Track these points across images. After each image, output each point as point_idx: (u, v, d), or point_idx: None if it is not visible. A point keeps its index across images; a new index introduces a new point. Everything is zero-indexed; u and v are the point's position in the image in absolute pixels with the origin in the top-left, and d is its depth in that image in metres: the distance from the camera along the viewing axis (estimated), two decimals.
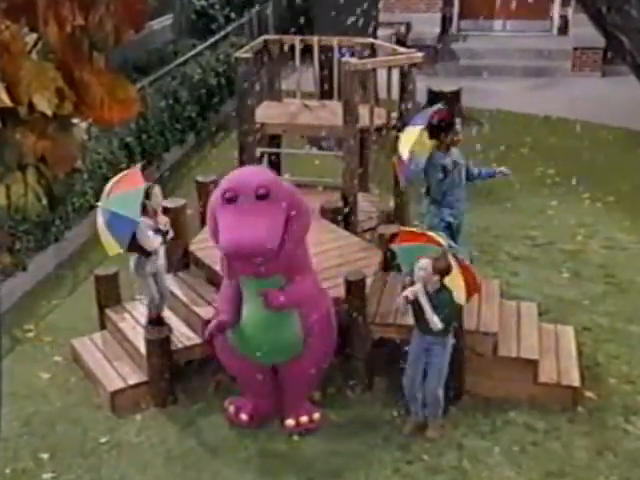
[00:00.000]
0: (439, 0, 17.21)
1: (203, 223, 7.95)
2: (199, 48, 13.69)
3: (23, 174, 2.99)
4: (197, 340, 7.03)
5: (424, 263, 6.02)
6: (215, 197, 5.84)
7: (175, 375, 6.92)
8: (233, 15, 16.16)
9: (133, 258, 6.86)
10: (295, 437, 6.51)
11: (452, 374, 6.50)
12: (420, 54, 8.48)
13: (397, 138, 7.83)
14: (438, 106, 7.72)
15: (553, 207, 10.45)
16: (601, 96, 14.61)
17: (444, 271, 6.05)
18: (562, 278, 8.76)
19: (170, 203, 7.56)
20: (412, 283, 6.16)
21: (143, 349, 6.87)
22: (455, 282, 6.19)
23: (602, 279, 8.71)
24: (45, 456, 6.41)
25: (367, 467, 6.22)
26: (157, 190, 6.82)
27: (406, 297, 6.10)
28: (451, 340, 6.29)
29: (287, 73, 10.05)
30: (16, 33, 2.77)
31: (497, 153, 11.84)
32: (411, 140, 7.32)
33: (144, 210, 6.60)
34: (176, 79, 12.46)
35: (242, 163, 8.51)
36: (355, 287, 6.68)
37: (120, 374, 7.02)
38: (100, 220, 6.51)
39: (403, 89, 8.40)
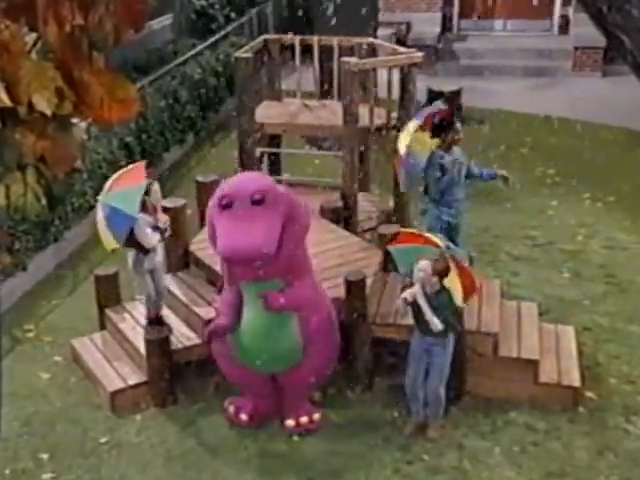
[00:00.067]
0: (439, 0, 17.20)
1: (203, 223, 7.94)
2: (199, 48, 13.69)
3: (22, 174, 2.98)
4: (197, 340, 7.02)
5: (423, 264, 6.01)
6: (212, 203, 5.88)
7: (175, 375, 6.92)
8: (233, 15, 16.17)
9: (131, 255, 6.86)
10: (295, 437, 6.50)
11: (453, 374, 6.49)
12: (420, 54, 8.47)
13: (397, 138, 7.83)
14: (438, 104, 7.71)
15: (553, 207, 10.45)
16: (602, 96, 14.60)
17: (443, 272, 6.04)
18: (562, 278, 8.76)
19: (170, 203, 7.56)
20: (412, 284, 6.16)
21: (143, 349, 6.87)
22: (452, 284, 6.18)
23: (602, 279, 8.71)
24: (45, 456, 6.40)
25: (367, 467, 6.22)
26: (156, 187, 6.82)
27: (405, 299, 6.09)
28: (452, 340, 6.28)
29: (287, 73, 10.04)
30: (16, 33, 2.77)
31: (497, 153, 11.88)
32: (408, 135, 7.34)
33: (143, 207, 6.61)
34: (176, 79, 12.46)
35: (242, 163, 8.50)
36: (355, 287, 6.68)
37: (120, 374, 7.01)
38: (100, 214, 6.52)
39: (403, 89, 8.40)
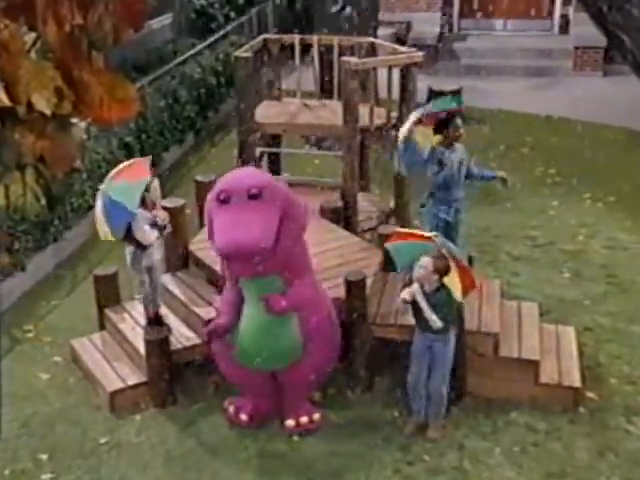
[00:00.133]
0: None
1: (202, 223, 7.93)
2: (199, 47, 13.68)
3: (22, 174, 2.98)
4: (196, 340, 7.01)
5: (425, 261, 6.00)
6: (210, 199, 5.86)
7: (174, 375, 6.90)
8: (233, 14, 16.16)
9: (129, 252, 6.84)
10: (295, 438, 6.49)
11: (454, 375, 6.48)
12: (420, 53, 8.45)
13: (397, 138, 7.83)
14: (447, 101, 7.71)
15: (554, 207, 10.44)
16: (602, 96, 14.59)
17: (444, 270, 6.02)
18: (563, 278, 8.75)
19: (169, 203, 7.54)
20: (411, 282, 6.14)
21: (142, 349, 6.85)
22: (451, 280, 6.16)
23: (603, 279, 8.69)
24: (44, 457, 6.38)
25: (367, 468, 6.20)
26: (156, 183, 6.82)
27: (404, 299, 6.08)
28: (453, 336, 6.27)
29: (287, 72, 10.03)
30: (15, 32, 2.76)
31: (497, 153, 11.89)
32: (408, 125, 7.38)
33: (142, 203, 6.60)
34: (175, 78, 12.45)
35: (242, 163, 8.49)
36: (355, 287, 6.66)
37: (119, 374, 7.00)
38: (99, 204, 6.51)
39: (403, 89, 8.38)
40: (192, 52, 13.38)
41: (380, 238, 7.66)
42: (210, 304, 7.16)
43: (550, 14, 17.27)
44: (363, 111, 8.18)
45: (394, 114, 8.50)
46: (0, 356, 6.93)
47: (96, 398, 7.00)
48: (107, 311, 7.59)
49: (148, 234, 6.70)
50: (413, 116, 7.39)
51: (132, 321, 7.40)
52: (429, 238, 6.22)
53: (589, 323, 7.85)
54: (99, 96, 2.89)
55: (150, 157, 7.20)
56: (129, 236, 6.68)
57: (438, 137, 7.34)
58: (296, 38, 9.24)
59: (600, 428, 6.55)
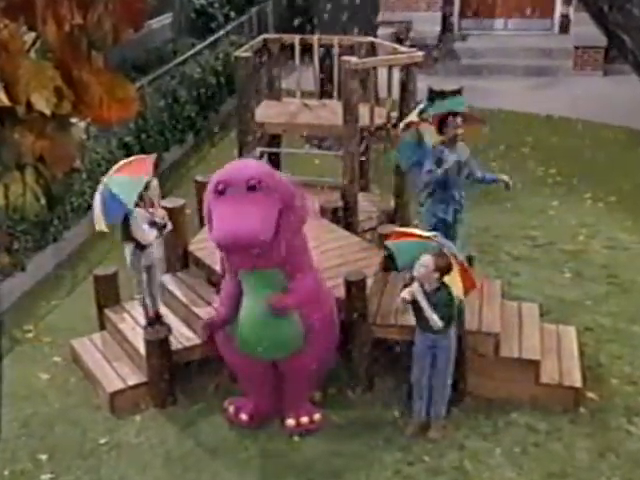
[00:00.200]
0: None
1: (202, 223, 7.92)
2: (198, 47, 13.67)
3: (21, 174, 2.97)
4: (196, 341, 7.00)
5: (426, 260, 5.99)
6: (208, 190, 5.83)
7: (174, 376, 6.89)
8: (233, 14, 16.15)
9: (129, 251, 6.84)
10: (295, 438, 6.48)
11: (454, 375, 6.48)
12: (420, 53, 8.45)
13: (397, 138, 7.84)
14: (459, 102, 7.75)
15: (554, 207, 10.43)
16: (603, 95, 14.58)
17: (445, 269, 6.01)
18: (564, 278, 8.74)
19: (169, 203, 7.53)
20: (412, 281, 6.13)
21: (142, 350, 6.84)
22: (453, 279, 6.15)
23: (604, 279, 8.68)
24: (44, 457, 6.38)
25: (368, 468, 6.19)
26: (155, 183, 6.81)
27: (404, 298, 6.07)
28: (454, 334, 6.26)
29: (287, 72, 10.02)
30: (15, 32, 2.76)
31: (498, 152, 11.87)
32: (412, 117, 7.49)
33: (141, 201, 6.60)
34: (175, 78, 12.44)
35: None
36: (356, 287, 6.65)
37: (119, 375, 6.99)
38: (98, 193, 6.58)
39: (404, 88, 8.37)
40: (192, 52, 13.37)
41: (380, 238, 7.66)
42: (210, 304, 7.15)
43: (550, 14, 17.25)
44: (363, 111, 8.17)
45: (394, 114, 8.49)
46: (1, 356, 6.91)
47: (96, 398, 6.99)
48: (107, 311, 7.58)
49: (147, 233, 6.69)
50: (417, 110, 7.43)
51: (132, 321, 7.39)
52: (430, 237, 6.21)
53: (590, 323, 7.85)
54: (99, 96, 2.89)
55: (155, 155, 7.22)
56: (128, 235, 6.69)
57: (441, 138, 7.36)
58: (296, 38, 9.22)
59: (601, 428, 6.54)
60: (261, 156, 9.02)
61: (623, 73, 14.04)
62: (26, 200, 2.99)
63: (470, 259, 7.15)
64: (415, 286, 6.03)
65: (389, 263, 7.09)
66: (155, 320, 7.09)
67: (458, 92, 12.70)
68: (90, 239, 9.42)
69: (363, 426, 6.61)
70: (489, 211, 9.89)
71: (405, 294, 6.06)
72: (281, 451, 6.39)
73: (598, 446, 6.36)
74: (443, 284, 6.06)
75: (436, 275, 6.01)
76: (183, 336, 7.09)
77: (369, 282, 6.79)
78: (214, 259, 7.11)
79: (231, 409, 6.64)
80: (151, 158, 6.90)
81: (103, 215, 6.49)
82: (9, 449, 6.42)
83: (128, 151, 10.36)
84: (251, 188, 5.61)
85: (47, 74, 2.79)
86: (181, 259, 7.78)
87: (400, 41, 13.90)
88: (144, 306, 7.09)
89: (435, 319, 6.01)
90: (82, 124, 3.12)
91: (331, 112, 8.82)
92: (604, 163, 11.70)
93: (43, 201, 3.04)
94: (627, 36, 3.82)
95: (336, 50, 8.96)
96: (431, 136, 7.38)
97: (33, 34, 2.83)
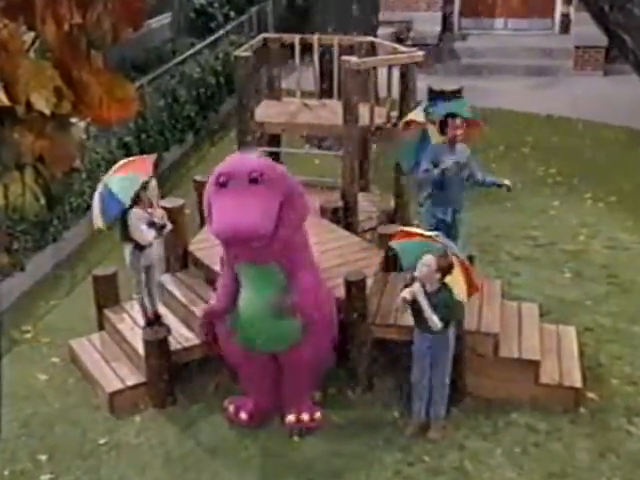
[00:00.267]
0: None
1: (202, 223, 7.91)
2: (198, 47, 13.65)
3: (21, 174, 2.97)
4: (196, 341, 6.99)
5: (428, 260, 5.98)
6: (210, 182, 5.81)
7: (174, 376, 6.88)
8: (232, 13, 16.14)
9: (128, 251, 6.83)
10: (295, 438, 6.47)
11: (454, 375, 6.47)
12: (421, 53, 8.44)
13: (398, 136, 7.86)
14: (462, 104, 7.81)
15: (555, 207, 10.42)
16: (603, 95, 14.58)
17: (447, 269, 6.01)
18: (564, 278, 8.73)
19: (169, 203, 7.52)
20: (412, 281, 6.12)
21: (141, 350, 6.83)
22: (456, 280, 6.15)
23: (604, 279, 8.68)
24: (43, 457, 6.37)
25: (368, 468, 6.19)
26: (154, 183, 6.80)
27: (404, 298, 6.06)
28: (453, 333, 6.26)
29: (287, 72, 10.01)
30: (14, 32, 2.75)
31: (498, 152, 11.87)
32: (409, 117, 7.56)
33: (140, 202, 6.60)
34: (175, 78, 12.43)
35: None
36: (355, 287, 6.64)
37: (118, 375, 6.98)
38: (98, 191, 6.61)
39: (404, 88, 8.36)
40: (191, 51, 13.36)
41: (380, 238, 7.65)
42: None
43: (551, 13, 17.25)
44: (363, 110, 8.17)
45: (394, 113, 8.48)
46: (1, 356, 6.91)
47: (95, 399, 6.98)
48: (106, 311, 7.57)
49: (146, 234, 6.68)
50: (417, 110, 7.47)
51: (131, 321, 7.38)
52: (433, 238, 6.21)
53: (590, 323, 7.84)
54: (98, 96, 2.88)
55: (155, 155, 7.22)
56: (127, 235, 6.69)
57: (443, 138, 7.38)
58: (296, 37, 9.21)
59: (601, 429, 6.53)
60: None
61: (624, 73, 14.02)
62: (25, 200, 2.98)
63: (471, 259, 7.15)
64: (416, 286, 6.02)
65: (394, 262, 7.10)
66: (154, 320, 7.08)
67: (458, 92, 12.77)
68: (89, 239, 9.41)
69: (363, 426, 6.60)
70: (489, 211, 9.88)
71: (406, 293, 6.05)
72: (281, 451, 6.38)
73: (598, 446, 6.35)
74: (444, 285, 6.06)
75: (438, 275, 6.00)
76: (182, 336, 7.08)
77: (369, 282, 6.79)
78: (213, 259, 7.10)
79: (231, 408, 6.63)
80: (151, 158, 6.90)
81: (101, 214, 6.50)
82: (9, 449, 6.42)
83: (128, 151, 10.36)
84: (253, 181, 5.60)
85: (46, 74, 2.79)
86: (180, 259, 7.77)
87: (400, 41, 13.89)
88: (143, 306, 7.08)
89: (435, 320, 6.00)
90: (82, 124, 3.12)
91: (331, 112, 8.81)
92: (605, 163, 11.70)
93: (42, 201, 3.04)
94: (628, 36, 3.82)
95: (336, 50, 8.94)
96: (434, 136, 7.42)
97: (32, 34, 2.82)
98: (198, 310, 7.09)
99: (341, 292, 6.68)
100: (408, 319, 6.42)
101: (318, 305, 6.18)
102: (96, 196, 6.61)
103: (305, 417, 6.49)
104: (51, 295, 8.64)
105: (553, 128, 13.24)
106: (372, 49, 9.04)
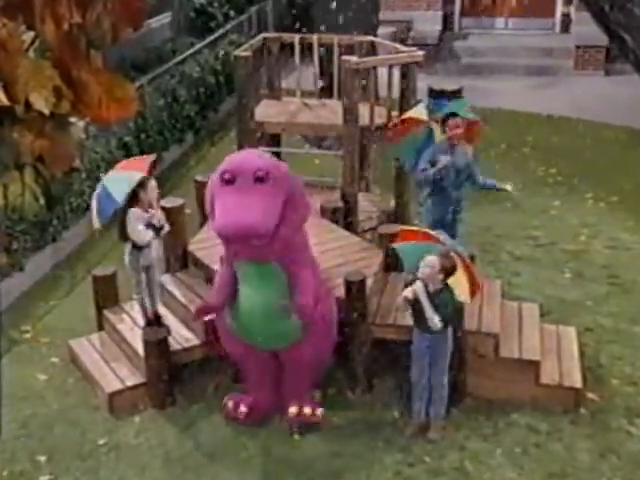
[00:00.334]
0: None
1: (202, 222, 7.90)
2: (198, 46, 13.64)
3: (20, 173, 2.96)
4: (196, 341, 6.98)
5: (432, 260, 5.97)
6: (214, 178, 5.81)
7: (173, 376, 6.87)
8: (232, 13, 16.12)
9: (127, 251, 6.82)
10: (295, 436, 6.46)
11: (454, 375, 6.46)
12: (421, 52, 8.42)
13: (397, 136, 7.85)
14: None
15: (555, 207, 10.41)
16: (604, 95, 14.57)
17: (450, 270, 6.01)
18: (565, 278, 8.72)
19: (168, 203, 7.51)
20: (413, 281, 6.11)
21: (141, 350, 6.82)
22: (458, 280, 6.14)
23: (605, 279, 8.66)
24: (42, 458, 6.35)
25: (368, 469, 6.18)
26: (153, 183, 6.78)
27: (406, 297, 6.05)
28: (451, 333, 6.25)
29: (287, 71, 9.99)
30: (13, 31, 2.74)
31: (498, 152, 11.85)
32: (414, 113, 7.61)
33: (138, 202, 6.58)
34: (175, 78, 12.41)
35: None
36: (355, 288, 6.63)
37: (118, 375, 6.96)
38: (96, 192, 6.62)
39: (404, 88, 8.35)
40: (191, 51, 13.34)
41: (380, 238, 7.64)
42: None
43: (551, 13, 17.23)
44: (363, 110, 8.15)
45: (394, 113, 8.47)
46: (0, 356, 6.90)
47: (95, 399, 6.96)
48: (106, 312, 7.55)
49: (143, 234, 6.67)
50: (420, 108, 7.50)
51: (131, 322, 7.36)
52: (436, 238, 6.20)
53: (590, 324, 7.83)
54: (98, 95, 2.87)
55: (154, 155, 7.21)
56: (125, 235, 6.68)
57: (444, 137, 7.39)
58: (296, 37, 9.20)
59: (601, 429, 6.53)
60: None
61: (624, 73, 14.03)
62: (25, 200, 2.97)
63: (472, 258, 7.14)
64: (418, 285, 6.00)
65: (394, 262, 7.09)
66: (154, 321, 7.06)
67: (458, 92, 12.76)
68: (89, 239, 9.39)
69: (363, 427, 6.59)
70: (490, 211, 9.87)
71: (408, 293, 6.04)
72: (281, 451, 6.37)
73: (599, 447, 6.35)
74: (446, 285, 6.05)
75: (440, 276, 6.00)
76: (182, 337, 7.07)
77: (369, 282, 6.77)
78: (213, 259, 7.08)
79: (230, 404, 6.61)
80: (150, 158, 6.90)
81: (98, 214, 6.49)
82: (8, 450, 6.40)
83: (127, 151, 10.35)
84: (258, 180, 5.60)
85: (46, 73, 2.77)
86: (180, 259, 7.75)
87: (401, 40, 13.87)
88: (143, 306, 7.06)
89: (436, 320, 5.99)
90: (81, 124, 3.11)
91: (331, 111, 8.79)
92: (605, 163, 11.68)
93: (42, 201, 3.02)
94: (628, 35, 3.81)
95: (336, 49, 8.93)
96: (438, 136, 7.43)
97: (32, 33, 2.81)
98: (193, 307, 7.08)
99: (341, 292, 6.67)
100: (408, 319, 6.42)
101: (318, 304, 6.17)
102: (94, 196, 6.62)
103: (307, 410, 6.47)
104: (50, 295, 8.63)
105: (554, 128, 13.23)
106: (372, 49, 9.03)
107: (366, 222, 8.61)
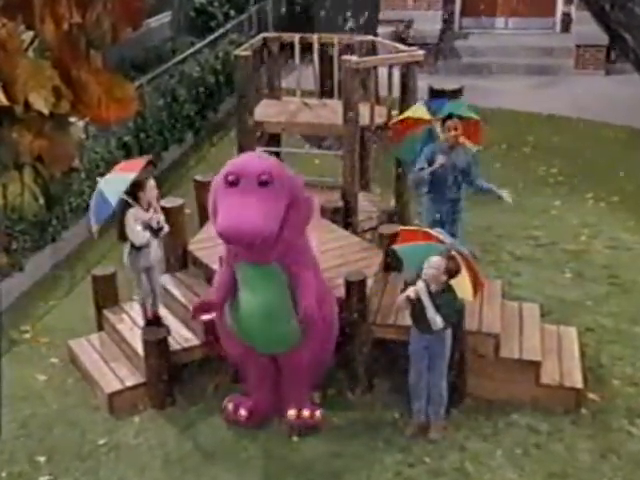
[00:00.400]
0: None
1: (202, 222, 7.89)
2: (198, 46, 13.62)
3: (20, 173, 2.96)
4: (195, 342, 6.97)
5: (436, 262, 5.96)
6: (218, 179, 5.80)
7: (173, 377, 6.86)
8: (232, 12, 16.11)
9: (126, 251, 6.80)
10: (295, 438, 6.45)
11: (454, 376, 6.45)
12: (421, 52, 8.42)
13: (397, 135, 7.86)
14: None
15: (556, 207, 10.40)
16: (604, 94, 14.55)
17: (453, 272, 6.00)
18: (565, 278, 8.71)
19: (168, 203, 7.50)
20: (414, 281, 6.10)
21: (141, 350, 6.81)
22: (461, 280, 6.12)
23: (606, 279, 8.65)
24: (42, 459, 6.34)
25: (368, 469, 6.17)
26: (152, 183, 6.77)
27: (408, 297, 6.04)
28: (449, 334, 6.24)
29: (287, 71, 9.99)
30: (13, 31, 2.74)
31: (499, 152, 11.85)
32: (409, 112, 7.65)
33: (138, 203, 6.57)
34: (174, 77, 12.40)
35: None
36: (355, 288, 6.62)
37: (118, 375, 6.95)
38: (94, 194, 6.62)
39: (404, 87, 8.34)
40: (191, 51, 13.32)
41: (381, 238, 7.63)
42: None
43: (552, 12, 17.23)
44: (363, 110, 8.14)
45: (395, 113, 8.46)
46: (0, 356, 6.88)
47: (94, 399, 6.95)
48: (105, 312, 7.54)
49: (141, 235, 6.65)
50: (420, 106, 7.54)
51: (130, 322, 7.35)
52: (436, 237, 6.18)
53: (591, 324, 7.82)
54: (97, 95, 2.87)
55: (150, 156, 7.19)
56: (124, 235, 6.67)
57: (444, 136, 7.40)
58: (296, 37, 9.19)
59: (602, 430, 6.51)
60: None
61: (625, 72, 14.05)
62: (24, 200, 2.97)
63: (475, 257, 7.14)
64: (420, 285, 5.99)
65: (394, 263, 7.09)
66: (154, 321, 7.05)
67: (459, 91, 12.75)
68: (88, 239, 9.36)
69: (363, 427, 6.58)
70: (490, 211, 9.84)
71: (410, 292, 6.03)
72: (281, 452, 6.36)
73: (599, 447, 6.34)
74: (449, 286, 6.04)
75: (444, 277, 5.99)
76: (182, 337, 7.06)
77: (369, 282, 6.77)
78: (213, 259, 7.08)
79: (230, 406, 6.60)
80: (145, 158, 6.88)
81: (94, 216, 6.46)
82: (7, 450, 6.39)
83: (127, 151, 10.33)
84: (262, 183, 5.60)
85: (45, 73, 2.77)
86: (180, 259, 7.75)
87: (401, 40, 13.87)
88: (143, 306, 7.05)
89: (437, 320, 5.98)
90: (81, 123, 3.10)
91: (331, 111, 8.78)
92: (606, 163, 11.68)
93: (41, 201, 3.02)
94: (629, 35, 3.81)
95: (336, 49, 8.92)
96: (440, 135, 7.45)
97: (31, 33, 2.81)
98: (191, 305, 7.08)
99: (341, 292, 6.66)
100: (408, 319, 6.40)
101: (319, 306, 6.16)
102: (92, 199, 6.60)
103: (306, 413, 6.47)
104: (50, 295, 8.62)
105: (554, 128, 13.22)
106: (372, 48, 9.02)
107: (366, 222, 8.60)
